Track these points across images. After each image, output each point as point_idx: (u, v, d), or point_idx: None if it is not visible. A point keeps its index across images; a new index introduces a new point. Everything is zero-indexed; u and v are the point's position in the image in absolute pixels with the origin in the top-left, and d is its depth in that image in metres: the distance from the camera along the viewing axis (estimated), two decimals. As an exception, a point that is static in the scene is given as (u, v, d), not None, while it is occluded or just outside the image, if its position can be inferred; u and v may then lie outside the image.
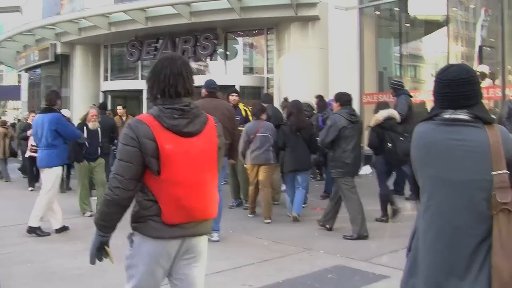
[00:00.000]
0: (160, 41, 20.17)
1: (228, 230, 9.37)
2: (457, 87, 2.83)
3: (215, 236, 8.30)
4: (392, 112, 9.49)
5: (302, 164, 9.99)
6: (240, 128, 9.96)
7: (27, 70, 28.80)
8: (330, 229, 8.98)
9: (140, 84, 20.59)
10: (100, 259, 3.56)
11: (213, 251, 7.95)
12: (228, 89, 12.23)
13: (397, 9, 18.14)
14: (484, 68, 14.61)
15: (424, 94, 15.10)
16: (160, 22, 18.76)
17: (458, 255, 2.71)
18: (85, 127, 10.56)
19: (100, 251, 3.52)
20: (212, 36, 19.01)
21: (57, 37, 22.75)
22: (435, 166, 2.84)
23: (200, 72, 20.86)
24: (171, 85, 3.40)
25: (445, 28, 16.61)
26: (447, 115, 2.86)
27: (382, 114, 9.38)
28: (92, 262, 3.55)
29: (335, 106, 8.96)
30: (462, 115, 2.82)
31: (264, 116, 10.17)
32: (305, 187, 10.17)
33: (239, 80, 17.89)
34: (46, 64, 24.87)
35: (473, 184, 2.70)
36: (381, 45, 19.06)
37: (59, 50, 23.47)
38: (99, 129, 10.90)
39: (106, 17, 19.65)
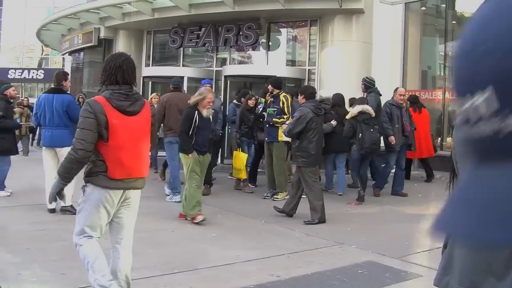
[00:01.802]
0: (203, 29, 20.10)
1: (261, 220, 9.35)
2: None
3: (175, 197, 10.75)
4: (366, 107, 10.97)
5: (343, 146, 11.73)
6: (276, 120, 11.24)
7: (70, 53, 29.08)
8: (291, 216, 9.46)
9: (181, 71, 20.54)
10: (61, 198, 4.96)
11: (242, 240, 7.95)
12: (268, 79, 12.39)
13: (443, 5, 17.84)
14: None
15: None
16: (204, 9, 18.71)
17: (497, 255, 2.55)
18: (196, 114, 8.97)
19: (59, 195, 4.80)
20: (255, 26, 18.89)
21: (101, 21, 22.90)
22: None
23: (242, 61, 20.81)
24: (112, 75, 4.76)
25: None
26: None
27: (357, 108, 10.96)
28: (51, 201, 5.06)
29: (300, 99, 9.87)
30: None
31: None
32: (342, 167, 12.18)
33: (281, 71, 17.73)
34: (89, 48, 25.05)
35: None
36: (426, 42, 18.82)
37: (102, 35, 23.62)
38: (211, 117, 9.53)
39: (150, 3, 19.67)
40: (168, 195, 11.10)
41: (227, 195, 11.53)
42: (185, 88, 18.63)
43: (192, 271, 6.44)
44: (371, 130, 10.95)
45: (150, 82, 21.35)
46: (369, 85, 12.62)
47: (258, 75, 18.23)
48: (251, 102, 12.51)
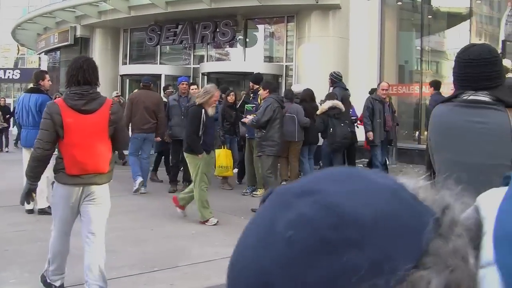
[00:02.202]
0: (180, 26, 20.12)
1: (240, 216, 9.35)
2: (478, 67, 2.67)
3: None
4: (336, 102, 11.17)
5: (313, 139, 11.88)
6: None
7: (47, 52, 28.91)
8: None
9: (158, 69, 20.55)
10: (28, 202, 5.24)
11: (222, 237, 7.92)
12: (247, 76, 12.35)
13: (419, 0, 17.91)
14: (507, 63, 14.40)
15: (445, 89, 14.82)
16: (180, 7, 18.67)
17: None
18: (203, 112, 8.78)
19: (28, 196, 5.04)
20: (232, 23, 18.90)
21: (77, 20, 22.79)
22: (452, 149, 2.67)
23: (219, 58, 20.77)
24: (73, 76, 5.00)
25: (468, 21, 16.38)
26: (467, 96, 2.69)
27: (328, 103, 11.18)
28: (22, 203, 5.21)
29: (264, 93, 10.19)
30: (483, 97, 2.65)
31: None
32: (311, 158, 12.31)
33: (258, 67, 17.70)
34: (65, 47, 24.93)
35: (491, 169, 2.53)
36: (402, 37, 18.92)
37: (79, 33, 23.52)
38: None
39: (126, 1, 19.62)
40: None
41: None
42: (162, 85, 18.65)
43: (172, 268, 6.42)
44: (342, 124, 11.16)
45: (128, 80, 21.26)
46: (335, 80, 12.84)
47: (236, 72, 18.25)
48: (230, 98, 12.41)
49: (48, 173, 7.61)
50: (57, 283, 5.40)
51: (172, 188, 11.91)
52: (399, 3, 18.74)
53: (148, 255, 6.96)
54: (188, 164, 9.08)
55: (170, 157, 12.50)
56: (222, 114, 12.38)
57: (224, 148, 12.04)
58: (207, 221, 8.84)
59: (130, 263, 6.57)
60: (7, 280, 5.94)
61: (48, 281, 5.44)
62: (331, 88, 12.60)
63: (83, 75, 5.00)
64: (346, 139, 11.22)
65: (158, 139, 11.83)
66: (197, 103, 8.83)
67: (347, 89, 12.86)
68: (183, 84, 12.27)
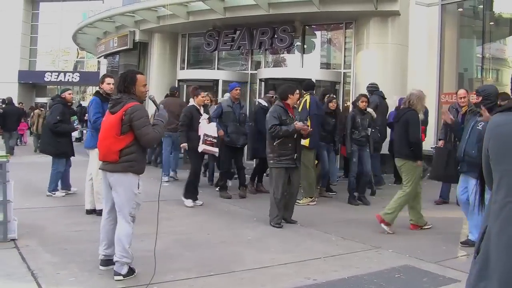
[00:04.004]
0: (238, 32, 20.17)
1: (297, 223, 9.38)
2: None
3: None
4: (368, 109, 11.96)
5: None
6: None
7: (106, 56, 29.35)
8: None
9: (216, 74, 20.68)
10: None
11: (278, 243, 7.98)
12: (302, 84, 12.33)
13: (481, 6, 17.66)
14: None
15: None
16: (239, 12, 18.77)
17: None
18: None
19: None
20: (290, 29, 18.90)
21: (136, 24, 23.08)
22: None
23: (277, 64, 20.81)
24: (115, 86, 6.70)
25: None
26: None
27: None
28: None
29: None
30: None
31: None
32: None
33: (316, 74, 17.72)
34: (124, 51, 25.25)
35: None
36: (462, 44, 18.66)
37: (137, 38, 23.77)
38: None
39: (184, 6, 19.78)
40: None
41: (263, 198, 11.54)
42: (219, 91, 18.81)
43: (228, 273, 6.50)
44: (372, 130, 11.98)
45: (185, 85, 21.45)
46: (372, 89, 14.00)
47: (293, 78, 18.20)
48: (331, 105, 12.39)
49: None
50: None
51: (224, 194, 11.99)
52: (460, 9, 18.47)
53: (204, 259, 7.05)
54: (404, 171, 9.02)
55: (221, 163, 12.63)
56: (321, 121, 12.01)
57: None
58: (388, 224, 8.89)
59: (187, 267, 6.67)
60: (67, 278, 6.10)
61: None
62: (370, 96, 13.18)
63: (117, 86, 6.39)
64: (377, 143, 12.16)
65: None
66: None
67: (385, 98, 13.92)
68: (236, 89, 12.34)
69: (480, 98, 7.78)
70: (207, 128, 10.99)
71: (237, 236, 8.55)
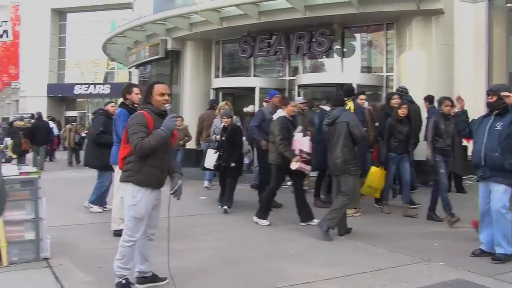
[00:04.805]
0: (274, 37, 20.26)
1: (341, 236, 9.39)
2: None
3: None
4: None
5: None
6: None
7: (137, 66, 29.56)
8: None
9: (252, 81, 20.77)
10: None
11: (323, 257, 8.01)
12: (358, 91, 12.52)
13: (532, 1, 17.49)
14: None
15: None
16: (274, 17, 18.87)
17: None
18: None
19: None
20: (328, 32, 18.92)
21: (168, 32, 23.29)
22: None
23: (315, 69, 20.85)
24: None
25: None
26: None
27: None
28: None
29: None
30: None
31: None
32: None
33: (356, 78, 17.74)
34: (156, 60, 25.43)
35: None
36: (512, 42, 18.46)
37: (169, 46, 23.98)
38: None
39: (217, 12, 19.94)
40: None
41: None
42: (256, 99, 18.91)
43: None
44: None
45: (221, 94, 21.59)
46: (402, 94, 13.71)
47: (332, 83, 18.27)
48: (402, 111, 11.68)
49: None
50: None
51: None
52: (509, 4, 18.32)
53: (244, 275, 7.13)
54: None
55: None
56: (389, 129, 11.69)
57: (383, 167, 11.65)
58: None
59: (226, 284, 6.75)
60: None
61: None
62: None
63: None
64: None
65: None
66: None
67: (414, 102, 13.88)
68: (277, 97, 12.42)
69: (495, 97, 7.76)
70: (303, 143, 10.43)
71: (279, 249, 8.61)
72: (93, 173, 12.45)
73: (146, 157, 6.11)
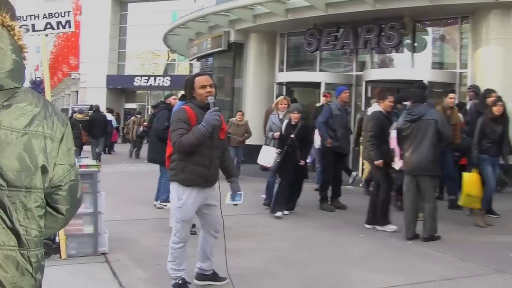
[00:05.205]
0: (341, 30, 20.09)
1: (408, 241, 9.24)
2: None
3: None
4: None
5: None
6: None
7: (199, 59, 29.78)
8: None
9: (317, 76, 20.69)
10: None
11: (387, 262, 7.89)
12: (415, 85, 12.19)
13: None
14: None
15: None
16: (341, 9, 18.74)
17: None
18: None
19: None
20: (399, 25, 18.65)
21: (231, 24, 23.39)
22: None
23: (383, 64, 20.62)
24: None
25: None
26: None
27: None
28: None
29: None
30: None
31: None
32: None
33: (427, 75, 17.48)
34: (218, 53, 25.62)
35: None
36: None
37: (232, 38, 24.09)
38: None
39: (283, 3, 19.89)
40: None
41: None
42: (321, 95, 18.77)
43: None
44: (463, 136, 12.28)
45: (284, 88, 21.53)
46: (478, 93, 13.38)
47: (402, 80, 18.00)
48: (497, 109, 10.73)
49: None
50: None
51: (326, 206, 11.99)
52: None
53: (306, 278, 7.07)
54: None
55: (324, 171, 12.64)
56: (482, 128, 10.81)
57: (476, 171, 10.67)
58: None
59: (287, 287, 6.71)
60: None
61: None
62: (470, 101, 13.39)
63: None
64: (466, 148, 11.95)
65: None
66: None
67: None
68: (345, 93, 12.37)
69: None
70: None
71: (342, 253, 8.53)
72: (150, 167, 12.56)
73: (190, 154, 6.04)
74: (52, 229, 2.58)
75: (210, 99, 6.03)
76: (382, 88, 11.82)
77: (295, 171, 11.29)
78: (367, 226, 10.21)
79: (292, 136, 11.23)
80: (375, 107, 10.53)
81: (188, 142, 5.88)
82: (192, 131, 5.89)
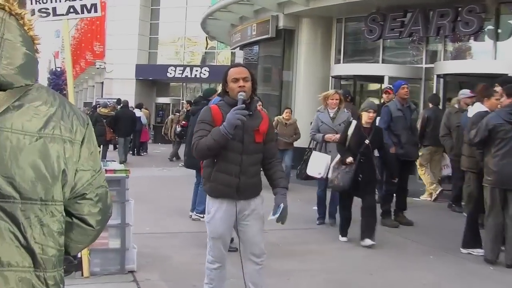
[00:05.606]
0: (409, 14, 19.85)
1: (489, 266, 9.03)
2: None
3: None
4: None
5: None
6: None
7: (242, 47, 29.78)
8: None
9: (380, 69, 20.48)
10: None
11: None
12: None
13: None
14: None
15: None
16: (410, -10, 18.57)
17: None
18: None
19: None
20: (479, 9, 18.25)
21: (280, 7, 23.25)
22: None
23: (459, 55, 20.29)
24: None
25: None
26: None
27: None
28: None
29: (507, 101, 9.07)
30: None
31: None
32: None
33: (512, 68, 17.19)
34: (265, 40, 25.51)
35: None
36: None
37: (281, 24, 23.95)
38: None
39: (341, -17, 19.74)
40: None
41: (440, 227, 11.25)
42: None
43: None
44: None
45: (340, 81, 21.40)
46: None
47: (482, 74, 17.68)
48: None
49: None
50: None
51: (388, 222, 11.79)
52: None
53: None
54: None
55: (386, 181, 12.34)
56: None
57: None
58: None
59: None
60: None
61: None
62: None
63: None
64: None
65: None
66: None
67: None
68: (403, 88, 12.09)
69: None
70: None
71: (408, 278, 8.39)
72: (185, 171, 12.53)
73: (216, 160, 5.87)
74: (81, 243, 2.56)
75: (241, 95, 5.76)
76: (486, 85, 11.37)
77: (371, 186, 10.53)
78: (463, 251, 9.84)
79: (367, 142, 10.27)
80: (478, 106, 10.10)
81: (205, 145, 5.72)
82: (211, 133, 5.72)
